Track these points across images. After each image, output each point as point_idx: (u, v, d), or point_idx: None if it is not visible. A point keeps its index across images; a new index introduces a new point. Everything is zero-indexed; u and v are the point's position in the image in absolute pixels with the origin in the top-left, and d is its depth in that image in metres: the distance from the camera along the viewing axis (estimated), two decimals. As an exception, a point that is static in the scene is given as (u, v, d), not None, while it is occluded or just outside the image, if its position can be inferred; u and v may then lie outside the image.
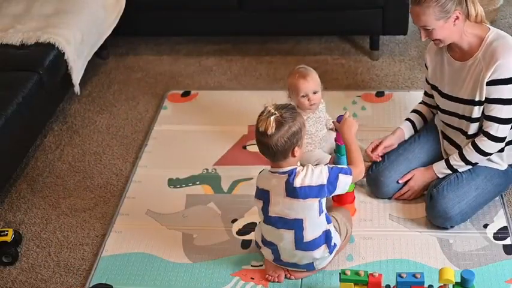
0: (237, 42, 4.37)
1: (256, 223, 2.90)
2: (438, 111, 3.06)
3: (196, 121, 3.72)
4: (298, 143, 2.55)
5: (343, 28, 4.11)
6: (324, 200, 2.64)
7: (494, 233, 2.92)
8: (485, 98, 2.79)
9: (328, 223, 2.69)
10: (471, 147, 2.89)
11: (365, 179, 3.15)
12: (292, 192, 2.58)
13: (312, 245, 2.67)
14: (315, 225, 2.65)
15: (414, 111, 3.20)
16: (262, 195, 2.67)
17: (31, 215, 3.23)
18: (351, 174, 2.63)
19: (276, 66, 4.15)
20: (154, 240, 3.02)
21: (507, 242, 2.88)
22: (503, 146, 2.89)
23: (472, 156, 2.90)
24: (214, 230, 3.06)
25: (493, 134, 2.83)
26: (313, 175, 2.57)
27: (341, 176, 2.60)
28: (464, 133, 2.94)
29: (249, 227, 3.03)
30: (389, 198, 3.11)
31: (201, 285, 2.81)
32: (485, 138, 2.85)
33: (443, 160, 3.00)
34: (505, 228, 2.94)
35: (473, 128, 2.90)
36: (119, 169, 3.46)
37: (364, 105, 3.72)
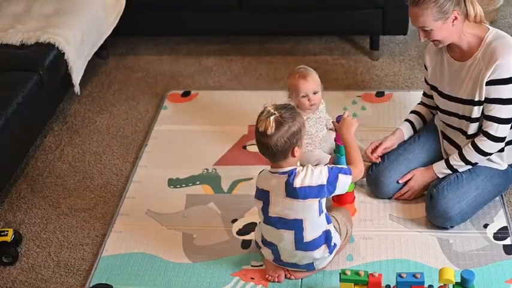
0: (237, 42, 4.37)
1: (256, 223, 2.90)
2: (438, 112, 3.06)
3: (196, 121, 3.72)
4: (298, 143, 2.55)
5: (343, 28, 4.11)
6: (323, 200, 2.64)
7: (494, 233, 2.92)
8: (485, 97, 2.79)
9: (328, 223, 2.69)
10: (471, 147, 2.89)
11: (365, 179, 3.15)
12: (292, 192, 2.58)
13: (312, 245, 2.67)
14: (315, 226, 2.65)
15: (413, 112, 3.21)
16: (262, 195, 2.67)
17: (31, 215, 3.23)
18: (350, 174, 2.63)
19: (276, 66, 4.15)
20: (154, 240, 3.02)
21: (507, 242, 2.88)
22: (503, 145, 2.89)
23: (472, 156, 2.90)
24: (214, 230, 3.06)
25: (492, 133, 2.83)
26: (313, 175, 2.57)
27: (341, 176, 2.60)
28: (464, 133, 2.94)
29: (249, 227, 3.03)
30: (390, 198, 3.11)
31: (201, 285, 2.81)
32: (485, 138, 2.85)
33: (443, 160, 3.00)
34: (505, 228, 2.94)
35: (473, 128, 2.90)
36: (119, 169, 3.46)
37: (364, 105, 3.72)
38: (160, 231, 3.07)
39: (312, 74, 3.15)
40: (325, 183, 2.57)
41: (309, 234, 2.65)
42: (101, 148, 3.61)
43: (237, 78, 4.09)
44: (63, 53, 3.59)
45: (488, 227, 2.95)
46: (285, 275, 2.79)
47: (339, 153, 2.97)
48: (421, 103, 3.20)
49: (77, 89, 3.74)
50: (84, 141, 3.66)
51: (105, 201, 3.28)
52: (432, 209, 2.92)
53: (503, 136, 2.84)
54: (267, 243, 2.75)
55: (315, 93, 3.13)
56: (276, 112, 2.50)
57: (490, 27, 2.82)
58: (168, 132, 3.66)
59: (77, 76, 3.71)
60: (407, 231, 2.97)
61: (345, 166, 2.67)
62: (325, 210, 2.67)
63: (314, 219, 2.63)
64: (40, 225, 3.17)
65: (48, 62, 3.50)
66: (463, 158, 2.92)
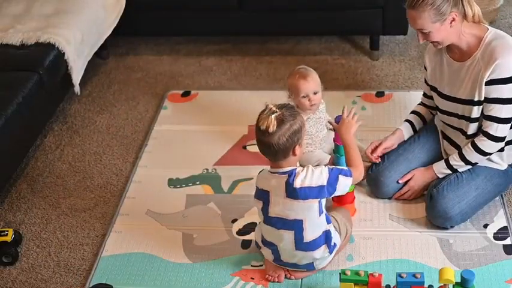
0: (237, 42, 4.37)
1: (256, 223, 2.90)
2: (438, 112, 3.06)
3: (196, 121, 3.72)
4: (298, 142, 2.55)
5: (343, 28, 4.11)
6: (323, 201, 2.64)
7: (494, 233, 2.92)
8: (485, 97, 2.79)
9: (328, 223, 2.69)
10: (471, 147, 2.89)
11: (365, 179, 3.15)
12: (292, 192, 2.58)
13: (312, 246, 2.67)
14: (314, 226, 2.65)
15: (413, 112, 3.21)
16: (262, 195, 2.67)
17: (31, 215, 3.23)
18: (351, 176, 2.63)
19: (276, 66, 4.15)
20: (154, 240, 3.02)
21: (507, 242, 2.88)
22: (503, 145, 2.89)
23: (472, 156, 2.90)
24: (214, 230, 3.06)
25: (492, 133, 2.83)
26: (313, 176, 2.57)
27: (341, 178, 2.60)
28: (464, 133, 2.94)
29: (249, 227, 3.03)
30: (390, 198, 3.11)
31: (201, 285, 2.81)
32: (485, 138, 2.85)
33: (443, 160, 3.00)
34: (505, 228, 2.94)
35: (472, 128, 2.90)
36: (119, 169, 3.46)
37: (364, 105, 3.72)
38: (160, 231, 3.07)
39: (312, 74, 3.15)
40: (325, 184, 2.57)
41: (309, 235, 2.65)
42: (101, 148, 3.61)
43: (237, 78, 4.09)
44: (63, 53, 3.59)
45: (488, 227, 2.95)
46: (285, 275, 2.79)
47: (338, 153, 2.97)
48: (421, 103, 3.20)
49: (77, 89, 3.74)
50: (84, 141, 3.66)
51: (105, 201, 3.28)
52: (432, 209, 2.92)
53: (503, 136, 2.84)
54: (267, 243, 2.75)
55: (315, 93, 3.13)
56: (277, 110, 2.50)
57: (489, 27, 2.82)
58: (168, 132, 3.66)
59: (77, 76, 3.71)
60: (407, 231, 2.97)
61: (345, 168, 2.67)
62: (325, 211, 2.67)
63: (314, 219, 2.63)
64: (40, 225, 3.17)
65: (48, 62, 3.50)
66: (463, 158, 2.92)
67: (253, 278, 2.81)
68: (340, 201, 3.00)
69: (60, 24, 3.70)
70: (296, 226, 2.63)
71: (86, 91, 4.02)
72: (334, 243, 2.73)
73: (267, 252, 2.78)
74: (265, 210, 2.67)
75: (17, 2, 3.95)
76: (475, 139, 2.88)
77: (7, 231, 2.98)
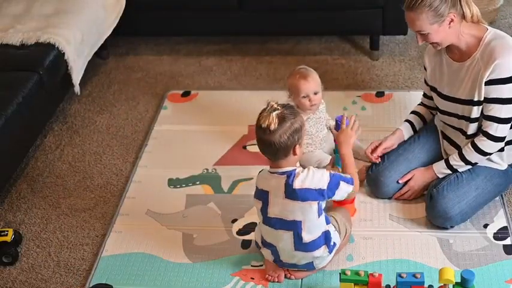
0: (237, 42, 4.37)
1: (256, 223, 2.90)
2: (438, 112, 3.06)
3: (196, 121, 3.72)
4: (299, 141, 2.55)
5: (343, 28, 4.11)
6: (323, 203, 2.64)
7: (494, 233, 2.92)
8: (484, 97, 2.79)
9: (327, 223, 2.69)
10: (471, 148, 2.89)
11: (365, 179, 3.16)
12: (291, 193, 2.58)
13: (311, 246, 2.67)
14: (313, 227, 2.64)
15: (413, 112, 3.21)
16: (262, 195, 2.67)
17: (31, 215, 3.23)
18: (352, 184, 2.64)
19: (276, 66, 4.15)
20: (154, 240, 3.02)
21: (507, 242, 2.88)
22: (503, 145, 2.89)
23: (472, 156, 2.90)
24: (214, 230, 3.05)
25: (492, 133, 2.83)
26: (313, 178, 2.57)
27: (342, 184, 2.61)
28: (464, 133, 2.94)
29: (249, 227, 3.03)
30: (390, 198, 3.11)
31: (201, 285, 2.81)
32: (485, 138, 2.85)
33: (443, 160, 3.00)
34: (505, 228, 2.94)
35: (472, 128, 2.90)
36: (119, 169, 3.46)
37: (364, 105, 3.72)
38: (160, 231, 3.07)
39: (312, 75, 3.14)
40: (325, 188, 2.57)
41: (308, 235, 2.65)
42: (101, 148, 3.61)
43: (237, 78, 4.09)
44: (63, 53, 3.59)
45: (488, 227, 2.95)
46: (285, 274, 2.79)
47: (339, 153, 2.96)
48: (421, 104, 3.20)
49: (77, 89, 3.74)
50: (84, 141, 3.66)
51: (105, 201, 3.28)
52: (432, 209, 2.92)
53: (502, 136, 2.84)
54: (266, 244, 2.75)
55: (315, 93, 3.13)
56: (278, 108, 2.50)
57: (488, 27, 2.82)
58: (168, 132, 3.66)
59: (77, 76, 3.71)
60: (407, 231, 2.97)
61: (348, 175, 2.67)
62: (324, 212, 2.67)
63: (313, 220, 2.63)
64: (40, 225, 3.17)
65: (48, 62, 3.50)
66: (463, 158, 2.92)
67: (253, 278, 2.81)
68: (340, 201, 2.99)
69: (60, 24, 3.71)
70: (295, 227, 2.63)
71: (86, 91, 4.02)
72: (334, 243, 2.73)
73: (266, 253, 2.78)
74: (264, 210, 2.67)
75: (17, 2, 3.95)
76: (475, 139, 2.88)
77: (7, 231, 2.98)
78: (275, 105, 2.51)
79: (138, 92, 4.02)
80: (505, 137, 2.86)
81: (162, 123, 3.73)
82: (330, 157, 3.20)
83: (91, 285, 2.85)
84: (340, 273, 2.59)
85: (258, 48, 4.33)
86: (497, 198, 3.05)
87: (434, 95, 3.02)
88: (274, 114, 2.48)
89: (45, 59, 3.50)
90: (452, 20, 2.71)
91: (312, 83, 3.13)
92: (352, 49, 4.25)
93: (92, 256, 3.00)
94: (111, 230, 3.09)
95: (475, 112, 2.85)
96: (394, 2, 3.85)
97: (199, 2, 4.11)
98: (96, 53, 4.03)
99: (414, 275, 2.54)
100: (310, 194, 2.57)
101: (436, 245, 2.89)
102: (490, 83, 2.76)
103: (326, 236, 2.68)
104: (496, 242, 2.89)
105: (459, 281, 2.52)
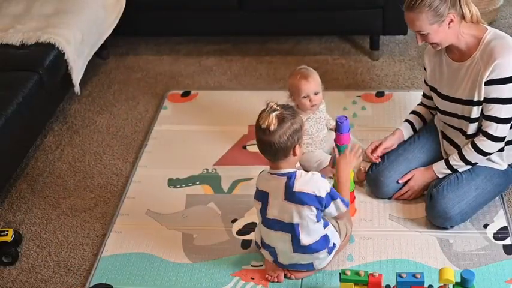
0: (237, 42, 4.37)
1: (256, 223, 2.90)
2: (438, 112, 3.06)
3: (196, 121, 3.72)
4: (299, 141, 2.55)
5: (343, 28, 4.11)
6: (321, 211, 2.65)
7: (494, 233, 2.92)
8: (484, 97, 2.79)
9: (324, 227, 2.69)
10: (471, 148, 2.89)
11: (365, 179, 3.16)
12: (291, 196, 2.58)
13: (310, 249, 2.67)
14: (310, 231, 2.64)
15: (413, 112, 3.21)
16: (262, 196, 2.67)
17: (31, 215, 3.23)
18: (347, 207, 2.67)
19: (276, 66, 4.15)
20: (154, 240, 3.02)
21: (507, 242, 2.88)
22: (503, 145, 2.89)
23: (472, 156, 2.90)
24: (214, 230, 3.05)
25: (492, 133, 2.83)
26: (315, 185, 2.57)
27: (339, 201, 2.63)
28: (464, 133, 2.94)
29: (249, 227, 3.03)
30: (389, 198, 3.11)
31: (201, 285, 2.81)
32: (485, 138, 2.85)
33: (443, 160, 3.00)
34: (505, 228, 2.94)
35: (472, 128, 2.90)
36: (119, 169, 3.46)
37: (364, 105, 3.72)
38: (160, 231, 3.07)
39: (313, 75, 3.15)
40: (323, 197, 2.58)
41: (307, 238, 2.65)
42: (101, 148, 3.61)
43: (237, 78, 4.09)
44: (63, 53, 3.59)
45: (488, 227, 2.95)
46: (285, 274, 2.79)
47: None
48: (421, 104, 3.20)
49: (77, 89, 3.74)
50: (84, 141, 3.66)
51: (105, 201, 3.28)
52: (432, 209, 2.92)
53: (502, 136, 2.84)
54: (265, 245, 2.75)
55: (316, 93, 3.13)
56: (278, 108, 2.50)
57: (488, 27, 2.82)
58: (168, 132, 3.66)
59: (77, 76, 3.71)
60: (407, 231, 2.97)
61: (345, 198, 2.69)
62: (322, 220, 2.67)
63: (310, 225, 2.63)
64: (40, 225, 3.17)
65: (48, 62, 3.50)
66: (462, 158, 2.92)
67: (253, 278, 2.81)
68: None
69: (60, 24, 3.70)
70: (292, 229, 2.63)
71: (86, 91, 4.02)
72: (334, 244, 2.73)
73: (266, 253, 2.78)
74: (263, 211, 2.67)
75: (17, 2, 3.95)
76: (475, 139, 2.88)
77: (7, 231, 2.98)
78: (274, 106, 2.51)
79: (138, 92, 4.02)
80: (505, 137, 2.86)
81: (162, 123, 3.73)
82: (330, 157, 3.20)
83: (91, 285, 2.85)
84: (340, 273, 2.59)
85: (258, 48, 4.33)
86: (497, 198, 3.05)
87: (434, 95, 3.02)
88: (273, 114, 2.48)
89: (45, 59, 3.50)
90: (452, 20, 2.71)
91: (313, 83, 3.13)
92: (352, 49, 4.25)
93: (92, 256, 3.00)
94: (111, 230, 3.09)
95: (475, 112, 2.85)
96: (394, 2, 3.84)
97: (199, 2, 4.11)
98: (96, 53, 4.03)
99: (414, 275, 2.54)
100: (308, 198, 2.56)
101: (436, 245, 2.89)
102: (490, 83, 2.76)
103: (325, 239, 2.68)
104: (496, 242, 2.89)
105: (459, 281, 2.52)
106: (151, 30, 4.28)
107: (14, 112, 3.19)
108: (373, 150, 3.12)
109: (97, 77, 4.17)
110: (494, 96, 2.77)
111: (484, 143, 2.85)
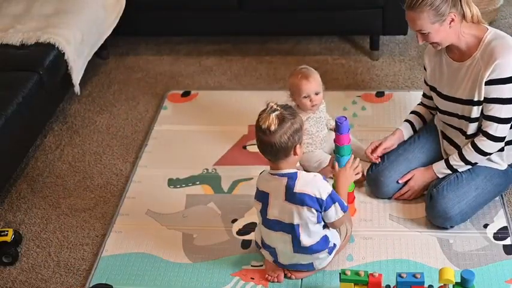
0: (237, 42, 4.37)
1: (256, 223, 2.90)
2: (438, 112, 3.06)
3: (196, 121, 3.72)
4: (299, 141, 2.55)
5: (343, 28, 4.11)
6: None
7: (494, 233, 2.92)
8: (484, 97, 2.79)
9: (324, 228, 2.68)
10: (471, 147, 2.89)
11: (365, 179, 3.16)
12: (291, 196, 2.58)
13: (311, 250, 2.67)
14: (311, 232, 2.64)
15: (413, 112, 3.21)
16: (262, 197, 2.67)
17: (31, 215, 3.23)
18: (344, 212, 2.64)
19: (276, 66, 4.15)
20: (154, 240, 3.02)
21: (507, 242, 2.88)
22: (503, 145, 2.89)
23: (472, 156, 2.90)
24: (214, 230, 3.05)
25: (492, 133, 2.83)
26: (315, 186, 2.57)
27: (337, 205, 2.61)
28: (464, 133, 2.94)
29: (249, 227, 3.03)
30: (389, 198, 3.11)
31: (201, 285, 2.81)
32: (485, 138, 2.85)
33: (443, 160, 3.00)
34: (505, 228, 2.94)
35: (472, 128, 2.90)
36: (119, 169, 3.46)
37: (364, 105, 3.72)
38: (160, 231, 3.07)
39: (314, 75, 3.14)
40: (324, 199, 2.57)
41: (308, 239, 2.65)
42: (101, 148, 3.61)
43: (237, 78, 4.09)
44: (63, 53, 3.59)
45: (488, 227, 2.95)
46: (285, 274, 2.79)
47: (339, 153, 2.97)
48: (421, 104, 3.20)
49: (77, 89, 3.74)
50: (84, 141, 3.66)
51: (105, 201, 3.28)
52: (432, 209, 2.92)
53: (502, 136, 2.84)
54: (266, 245, 2.75)
55: (316, 93, 3.13)
56: (278, 108, 2.50)
57: (488, 27, 2.82)
58: (168, 132, 3.66)
59: (77, 76, 3.71)
60: (407, 231, 2.97)
61: (345, 204, 2.67)
62: (323, 222, 2.67)
63: (310, 226, 2.62)
64: (40, 225, 3.17)
65: (48, 62, 3.50)
66: (462, 158, 2.92)
67: (253, 278, 2.81)
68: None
69: (60, 24, 3.70)
70: (292, 230, 2.63)
71: (86, 91, 4.02)
72: (334, 244, 2.73)
73: (266, 253, 2.78)
74: (263, 212, 2.67)
75: (17, 2, 3.95)
76: (475, 139, 2.88)
77: (7, 231, 2.98)
78: (274, 106, 2.51)
79: (138, 92, 4.02)
80: (505, 137, 2.86)
81: (162, 123, 3.73)
82: (330, 157, 3.20)
83: (91, 285, 2.85)
84: (340, 273, 2.59)
85: (258, 48, 4.33)
86: (497, 198, 3.05)
87: (434, 95, 3.02)
88: (273, 115, 2.48)
89: (45, 59, 3.50)
90: (452, 20, 2.71)
91: (314, 83, 3.13)
92: (352, 49, 4.25)
93: (92, 256, 3.00)
94: (111, 230, 3.09)
95: (475, 112, 2.85)
96: (394, 2, 3.84)
97: (199, 2, 4.11)
98: (96, 53, 4.03)
99: (414, 275, 2.54)
100: (309, 199, 2.56)
101: (436, 245, 2.89)
102: (490, 83, 2.76)
103: (325, 240, 2.68)
104: (496, 242, 2.89)
105: (459, 281, 2.52)
106: (151, 30, 4.28)
107: (14, 112, 3.19)
108: (373, 150, 3.12)
109: (97, 77, 4.17)
110: (495, 96, 2.77)
111: (484, 143, 2.85)
